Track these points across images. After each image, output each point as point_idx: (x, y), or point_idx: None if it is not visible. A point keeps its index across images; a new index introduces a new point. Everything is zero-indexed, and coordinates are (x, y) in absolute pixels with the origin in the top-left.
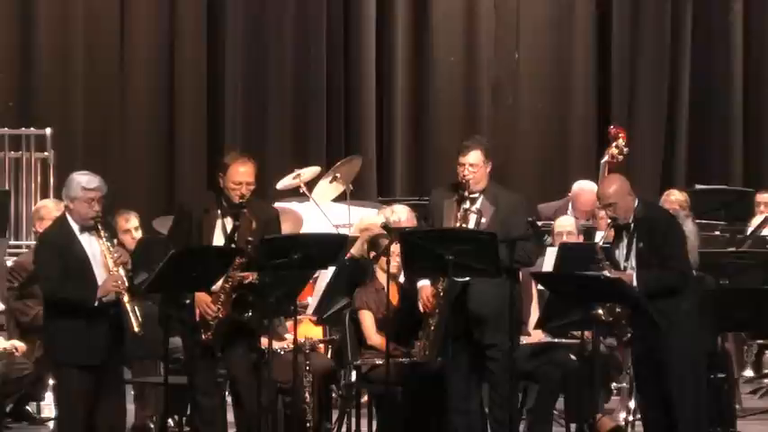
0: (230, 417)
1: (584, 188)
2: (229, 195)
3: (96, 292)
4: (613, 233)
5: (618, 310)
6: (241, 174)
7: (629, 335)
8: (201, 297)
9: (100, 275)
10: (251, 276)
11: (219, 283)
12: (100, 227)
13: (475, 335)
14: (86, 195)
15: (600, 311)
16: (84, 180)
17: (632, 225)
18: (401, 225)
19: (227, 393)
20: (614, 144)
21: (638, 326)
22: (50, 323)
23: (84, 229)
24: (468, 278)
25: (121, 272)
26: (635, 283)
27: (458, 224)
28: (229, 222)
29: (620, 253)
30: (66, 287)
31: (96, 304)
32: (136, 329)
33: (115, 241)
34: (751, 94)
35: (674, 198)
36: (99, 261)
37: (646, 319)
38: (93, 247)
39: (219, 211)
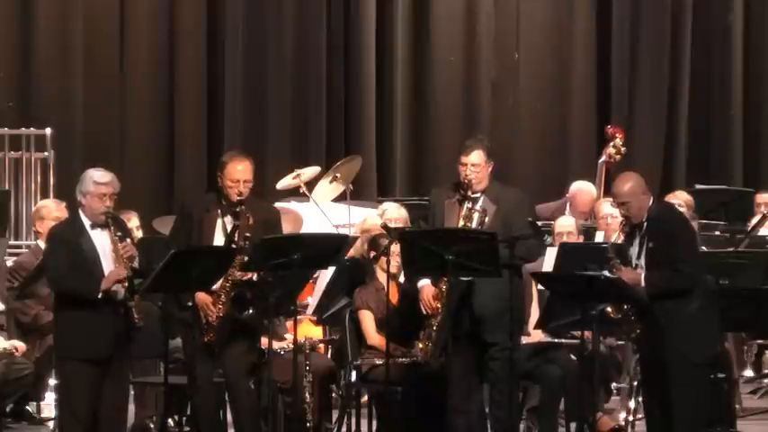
0: (230, 417)
1: (582, 189)
2: (227, 193)
3: (100, 284)
4: (625, 234)
5: (626, 307)
6: (238, 172)
7: (637, 331)
8: (203, 299)
9: (108, 270)
10: (250, 274)
11: (220, 282)
12: (111, 222)
13: (480, 334)
14: (98, 190)
15: (608, 309)
16: (96, 175)
17: (645, 224)
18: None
19: (226, 393)
20: (611, 144)
21: (643, 324)
22: (58, 315)
23: (95, 225)
24: (472, 278)
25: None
26: (642, 284)
27: (461, 223)
28: (229, 221)
29: (633, 251)
30: (72, 278)
31: (100, 296)
32: (136, 320)
33: (128, 240)
34: (751, 94)
35: (680, 199)
36: (109, 257)
37: (651, 318)
38: (104, 243)
39: (219, 211)
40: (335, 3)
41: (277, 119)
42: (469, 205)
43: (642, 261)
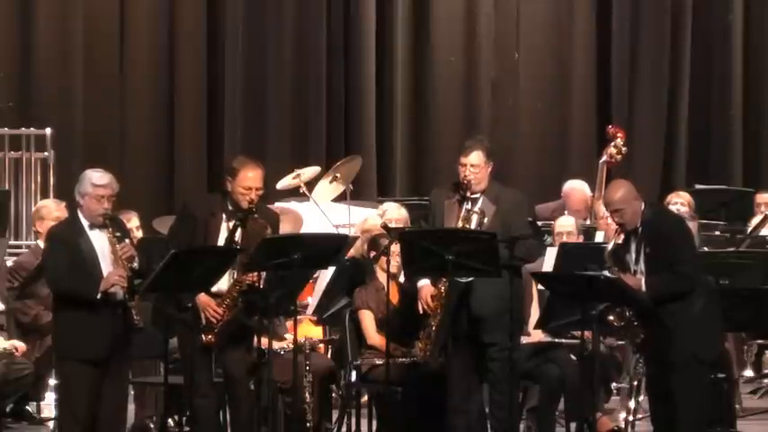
0: (229, 417)
1: (574, 188)
2: (237, 200)
3: (99, 285)
4: (622, 238)
5: (628, 314)
6: (250, 179)
7: (641, 336)
8: (206, 301)
9: (107, 271)
10: (254, 278)
11: (226, 286)
12: (109, 223)
13: (479, 334)
14: (96, 192)
15: (611, 318)
16: (95, 177)
17: (640, 229)
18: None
19: (226, 394)
20: (612, 144)
21: (648, 327)
22: (57, 316)
23: (93, 225)
24: (471, 278)
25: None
26: (644, 289)
27: (460, 224)
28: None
29: (630, 257)
30: (71, 279)
31: (99, 296)
32: (136, 320)
33: (127, 241)
34: (751, 95)
35: (682, 199)
36: (107, 258)
37: (657, 321)
38: (103, 243)
39: (224, 215)
40: (335, 4)
41: (277, 120)
42: (468, 206)
43: (640, 266)
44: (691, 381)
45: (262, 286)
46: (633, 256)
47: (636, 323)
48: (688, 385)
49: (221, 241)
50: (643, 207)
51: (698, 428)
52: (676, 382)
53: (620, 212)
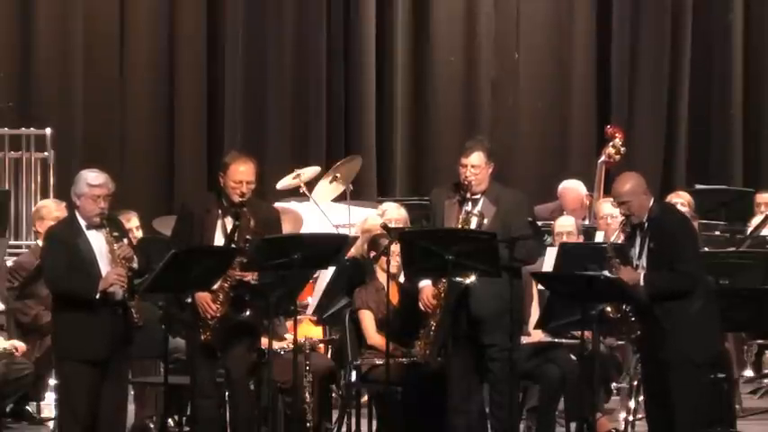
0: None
1: (567, 187)
2: (230, 194)
3: (97, 284)
4: (626, 233)
5: (625, 307)
6: (241, 173)
7: (638, 332)
8: (202, 296)
9: (105, 271)
10: (249, 276)
11: (218, 282)
12: (106, 223)
13: (479, 335)
14: (92, 192)
15: (608, 309)
16: (90, 177)
17: (646, 224)
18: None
19: (227, 394)
20: (611, 144)
21: (644, 324)
22: (56, 316)
23: (91, 225)
24: (474, 279)
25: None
26: (642, 284)
27: (459, 226)
28: (229, 222)
29: (634, 251)
30: (70, 279)
31: (98, 296)
32: (135, 319)
33: (125, 241)
34: (751, 95)
35: (682, 198)
36: (105, 258)
37: (652, 318)
38: (101, 243)
39: (220, 211)
40: (335, 7)
41: (277, 124)
42: (468, 208)
43: (643, 261)
44: (687, 381)
45: (255, 280)
46: (637, 250)
47: (633, 319)
48: (682, 385)
49: (218, 238)
50: (652, 203)
51: (694, 429)
52: (672, 382)
53: (627, 205)
